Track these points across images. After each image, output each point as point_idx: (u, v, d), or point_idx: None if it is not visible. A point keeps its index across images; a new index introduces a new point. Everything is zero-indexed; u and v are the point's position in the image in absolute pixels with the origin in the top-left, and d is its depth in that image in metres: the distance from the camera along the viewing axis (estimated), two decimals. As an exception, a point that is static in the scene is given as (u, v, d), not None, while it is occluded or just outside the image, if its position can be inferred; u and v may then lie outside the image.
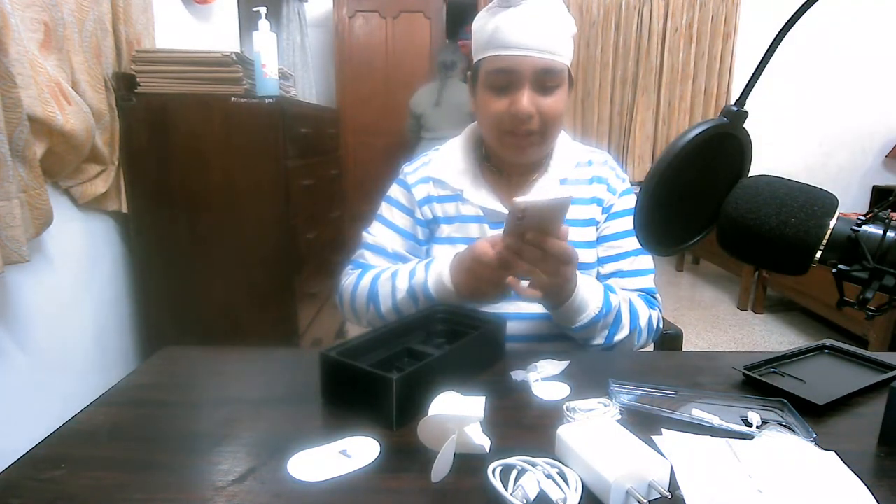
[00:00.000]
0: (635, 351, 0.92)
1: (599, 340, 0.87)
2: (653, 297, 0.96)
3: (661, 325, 0.96)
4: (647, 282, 0.96)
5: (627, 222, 0.96)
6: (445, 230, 0.96)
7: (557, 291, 0.78)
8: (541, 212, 0.68)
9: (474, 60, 0.90)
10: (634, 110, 4.53)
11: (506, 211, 0.92)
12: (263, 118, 1.60)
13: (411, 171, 1.00)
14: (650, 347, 1.06)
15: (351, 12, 3.56)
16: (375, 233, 0.99)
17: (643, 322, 0.90)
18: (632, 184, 1.00)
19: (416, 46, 3.68)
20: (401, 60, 3.66)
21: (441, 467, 0.50)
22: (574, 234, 0.89)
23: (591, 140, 4.43)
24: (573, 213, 0.93)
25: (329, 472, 0.52)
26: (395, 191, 1.00)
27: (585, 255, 0.94)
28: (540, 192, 0.95)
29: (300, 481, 0.51)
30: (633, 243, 0.94)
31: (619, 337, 0.88)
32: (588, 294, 0.82)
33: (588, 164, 0.98)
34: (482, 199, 0.94)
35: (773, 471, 0.51)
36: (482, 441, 0.55)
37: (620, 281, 0.94)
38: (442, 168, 0.97)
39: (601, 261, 0.96)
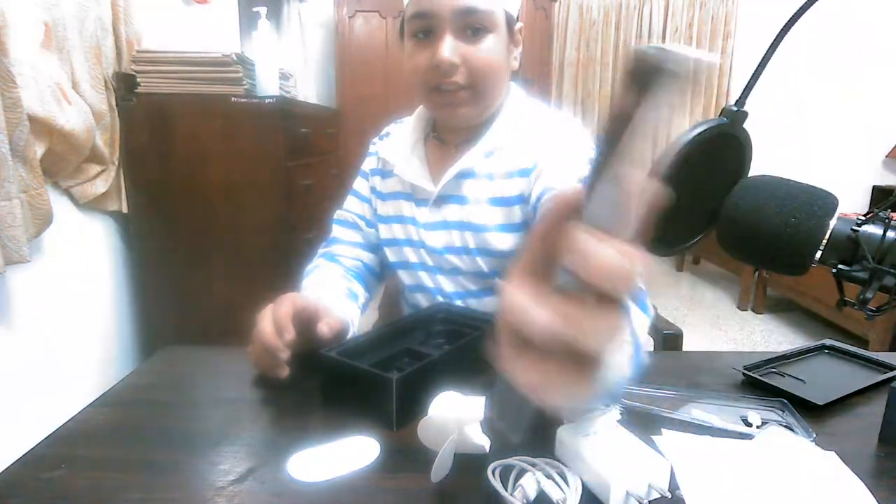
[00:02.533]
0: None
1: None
2: None
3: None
4: None
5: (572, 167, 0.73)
6: (380, 207, 0.94)
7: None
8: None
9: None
10: (635, 110, 4.54)
11: (431, 188, 0.84)
12: (263, 118, 1.59)
13: (376, 140, 0.98)
14: (650, 347, 1.06)
15: (351, 12, 3.55)
16: (345, 205, 0.99)
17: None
18: None
19: (417, 46, 3.67)
20: (401, 60, 3.65)
21: (441, 467, 0.50)
22: (484, 215, 0.79)
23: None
24: (487, 190, 0.80)
25: (329, 472, 0.52)
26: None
27: (502, 240, 0.81)
28: (463, 166, 0.81)
29: (300, 481, 0.51)
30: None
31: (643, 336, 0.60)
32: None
33: (534, 127, 0.81)
34: (411, 174, 0.87)
35: (773, 471, 0.51)
36: (482, 441, 0.55)
37: None
38: (387, 142, 0.93)
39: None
